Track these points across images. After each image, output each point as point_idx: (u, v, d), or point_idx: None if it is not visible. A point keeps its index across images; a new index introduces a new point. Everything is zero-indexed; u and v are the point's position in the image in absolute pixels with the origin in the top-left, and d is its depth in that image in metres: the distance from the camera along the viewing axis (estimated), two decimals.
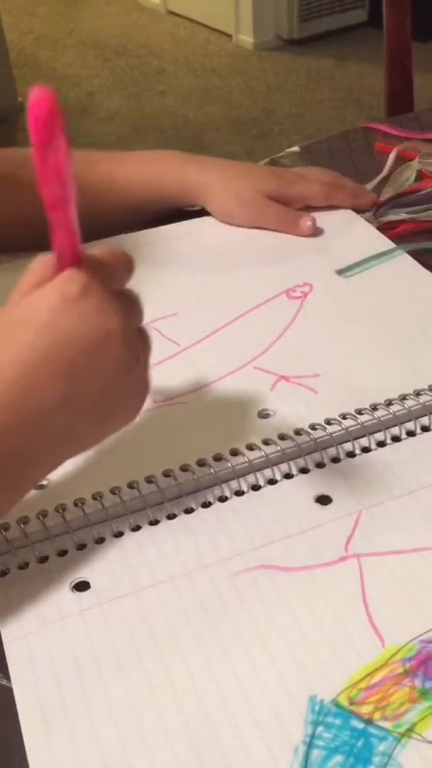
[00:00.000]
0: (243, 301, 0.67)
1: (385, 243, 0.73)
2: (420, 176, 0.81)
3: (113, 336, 0.42)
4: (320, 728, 0.38)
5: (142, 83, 3.27)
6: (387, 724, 0.38)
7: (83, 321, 0.42)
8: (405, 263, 0.70)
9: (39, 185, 0.40)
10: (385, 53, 1.27)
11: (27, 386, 0.41)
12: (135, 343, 0.44)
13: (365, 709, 0.39)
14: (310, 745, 0.38)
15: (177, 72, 3.35)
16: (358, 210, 0.78)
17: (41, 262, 0.44)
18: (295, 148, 0.90)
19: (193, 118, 3.00)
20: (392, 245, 0.72)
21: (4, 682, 0.42)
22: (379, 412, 0.53)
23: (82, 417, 0.43)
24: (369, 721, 0.38)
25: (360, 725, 0.38)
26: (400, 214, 0.76)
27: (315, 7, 3.46)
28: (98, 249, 0.44)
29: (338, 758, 0.37)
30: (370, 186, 0.81)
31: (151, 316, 0.65)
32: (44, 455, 0.44)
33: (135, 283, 0.71)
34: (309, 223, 0.75)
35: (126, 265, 0.45)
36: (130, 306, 0.44)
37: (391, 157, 0.84)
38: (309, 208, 0.77)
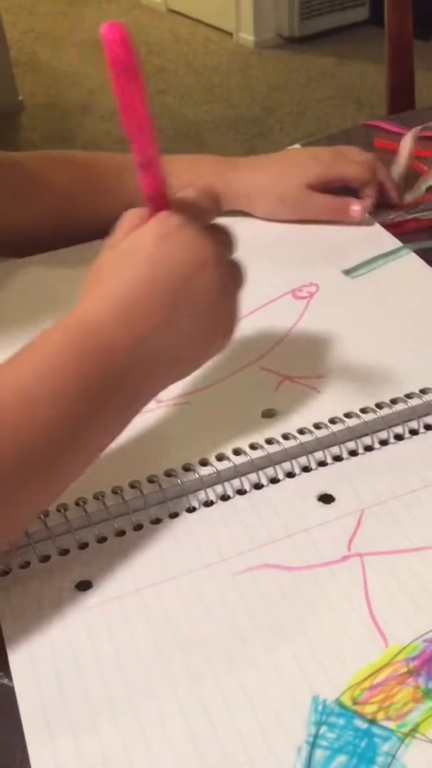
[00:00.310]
0: (249, 300, 0.66)
1: (392, 242, 0.73)
2: None
3: (208, 265, 0.47)
4: (323, 728, 0.38)
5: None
6: (391, 724, 0.38)
7: (181, 253, 0.47)
8: (411, 262, 0.70)
9: (122, 116, 0.44)
10: (386, 51, 1.26)
11: (139, 308, 0.46)
12: (228, 271, 0.49)
13: (369, 709, 0.39)
14: (313, 745, 0.38)
15: (177, 70, 3.35)
16: (384, 202, 0.77)
17: (134, 211, 0.50)
18: (296, 147, 0.90)
19: (193, 116, 2.99)
20: (399, 244, 0.72)
21: (6, 681, 0.41)
22: (383, 411, 0.53)
23: (184, 339, 0.48)
24: (372, 721, 0.38)
25: (363, 725, 0.38)
26: (404, 215, 0.76)
27: (316, 5, 3.45)
28: (188, 191, 0.50)
29: (341, 758, 0.37)
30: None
31: None
32: (155, 376, 0.48)
33: None
34: (357, 207, 0.74)
35: (213, 200, 0.50)
36: (222, 238, 0.49)
37: (408, 139, 0.84)
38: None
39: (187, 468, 0.50)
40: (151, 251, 0.47)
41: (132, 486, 0.49)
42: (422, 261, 0.70)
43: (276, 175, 0.76)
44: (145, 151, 0.46)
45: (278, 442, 0.51)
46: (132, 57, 0.42)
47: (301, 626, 0.43)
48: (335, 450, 0.52)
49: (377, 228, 0.75)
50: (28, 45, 3.54)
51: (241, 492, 0.50)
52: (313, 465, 0.51)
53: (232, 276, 0.49)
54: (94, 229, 0.74)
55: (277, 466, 0.51)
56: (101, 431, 0.46)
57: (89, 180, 0.75)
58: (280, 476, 0.51)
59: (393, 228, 0.74)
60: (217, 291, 0.48)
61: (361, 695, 0.39)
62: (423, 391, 0.55)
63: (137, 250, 0.47)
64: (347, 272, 0.69)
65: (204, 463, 0.51)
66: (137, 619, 0.44)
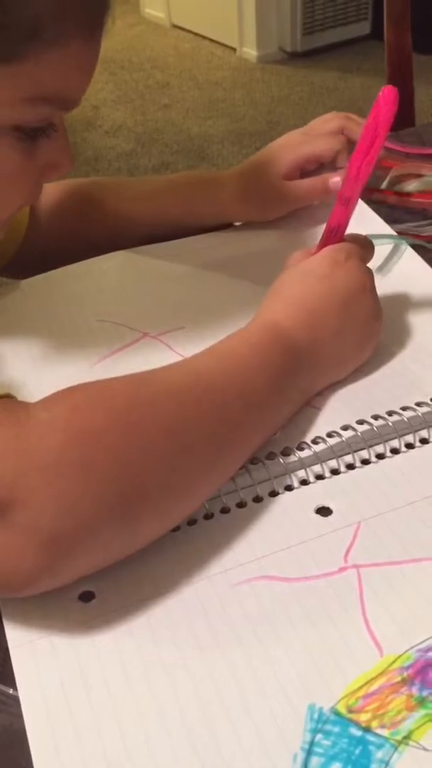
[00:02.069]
0: (250, 313, 0.68)
1: (386, 229, 0.74)
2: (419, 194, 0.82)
3: (368, 289, 0.59)
4: (319, 736, 0.39)
5: (146, 96, 3.29)
6: (385, 732, 0.39)
7: (350, 276, 0.59)
8: (410, 264, 0.71)
9: (354, 156, 0.56)
10: (386, 69, 1.28)
11: (318, 316, 0.57)
12: (377, 297, 0.60)
13: (363, 717, 0.40)
14: (309, 752, 0.38)
15: (181, 85, 3.37)
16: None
17: (300, 251, 0.62)
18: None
19: (197, 130, 3.02)
20: (393, 231, 0.74)
21: (11, 692, 0.42)
22: (379, 423, 0.54)
23: (347, 345, 0.58)
24: (367, 729, 0.39)
25: (358, 733, 0.39)
26: (400, 227, 0.77)
27: (318, 20, 3.48)
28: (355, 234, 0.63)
29: (336, 765, 0.38)
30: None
31: (158, 329, 0.67)
32: (322, 373, 0.57)
33: (143, 297, 0.72)
34: (336, 179, 0.75)
35: (370, 246, 0.63)
36: (372, 274, 0.61)
37: (387, 179, 0.85)
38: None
39: None
40: (327, 273, 0.58)
41: None
42: (423, 262, 0.71)
43: (252, 178, 0.77)
44: (353, 190, 0.58)
45: (277, 458, 0.53)
46: (392, 119, 0.54)
47: (299, 636, 0.44)
48: (333, 464, 0.53)
49: (368, 212, 0.76)
50: None
51: (240, 505, 0.51)
52: (311, 478, 0.52)
53: (378, 302, 0.60)
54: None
55: (275, 480, 0.52)
56: (271, 417, 0.53)
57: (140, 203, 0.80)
58: (279, 490, 0.52)
59: None
60: (371, 309, 0.59)
61: (356, 703, 0.40)
62: (419, 405, 0.56)
63: (315, 272, 0.58)
64: None
65: None
66: (139, 629, 0.45)
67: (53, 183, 0.81)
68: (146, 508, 0.45)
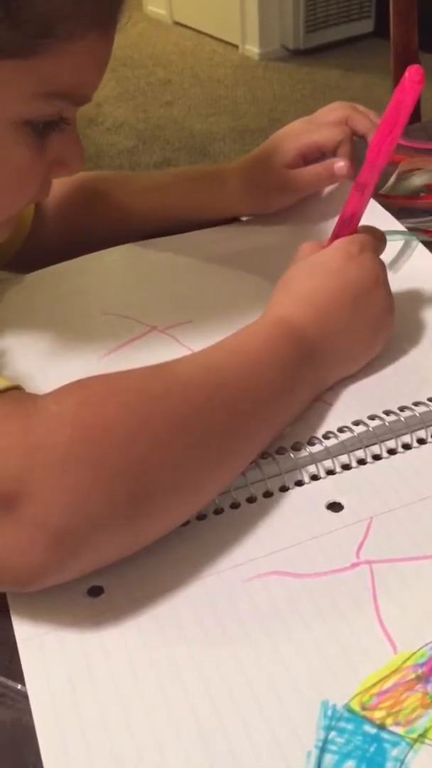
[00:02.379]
0: (257, 307, 0.67)
1: (398, 225, 0.73)
2: (427, 188, 0.81)
3: (381, 283, 0.58)
4: (333, 733, 0.39)
5: (148, 93, 3.29)
6: (399, 730, 0.39)
7: (363, 269, 0.57)
8: (423, 261, 0.71)
9: (375, 138, 0.55)
10: (392, 65, 1.27)
11: (327, 310, 0.56)
12: (390, 292, 0.59)
13: (378, 715, 0.39)
14: (322, 750, 0.38)
15: (183, 82, 3.37)
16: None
17: (309, 243, 0.61)
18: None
19: (199, 128, 3.01)
20: (409, 233, 0.73)
21: (20, 687, 0.42)
22: (390, 418, 0.54)
23: (358, 340, 0.57)
24: (381, 727, 0.39)
25: (372, 730, 0.39)
26: (407, 223, 0.77)
27: (321, 18, 3.48)
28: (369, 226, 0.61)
29: (351, 763, 0.37)
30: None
31: (166, 322, 0.66)
32: (332, 368, 0.57)
33: (149, 291, 0.72)
34: (341, 164, 0.74)
35: (384, 239, 0.62)
36: (384, 267, 0.60)
37: (395, 175, 0.84)
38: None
39: None
40: (339, 266, 0.57)
41: None
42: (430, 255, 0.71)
43: (254, 169, 0.76)
44: (370, 176, 0.57)
45: (288, 452, 0.52)
46: (417, 97, 0.52)
47: (311, 632, 0.43)
48: (344, 459, 0.53)
49: (377, 208, 0.75)
50: None
51: (250, 500, 0.50)
52: (322, 474, 0.52)
53: (391, 296, 0.59)
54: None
55: (286, 475, 0.51)
56: (281, 414, 0.53)
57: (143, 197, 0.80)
58: (290, 485, 0.51)
59: None
60: (384, 303, 0.58)
61: (370, 701, 0.40)
62: (431, 400, 0.55)
63: (326, 265, 0.57)
64: None
65: None
66: (148, 624, 0.44)
67: (99, 174, 0.82)
68: (153, 505, 0.44)
